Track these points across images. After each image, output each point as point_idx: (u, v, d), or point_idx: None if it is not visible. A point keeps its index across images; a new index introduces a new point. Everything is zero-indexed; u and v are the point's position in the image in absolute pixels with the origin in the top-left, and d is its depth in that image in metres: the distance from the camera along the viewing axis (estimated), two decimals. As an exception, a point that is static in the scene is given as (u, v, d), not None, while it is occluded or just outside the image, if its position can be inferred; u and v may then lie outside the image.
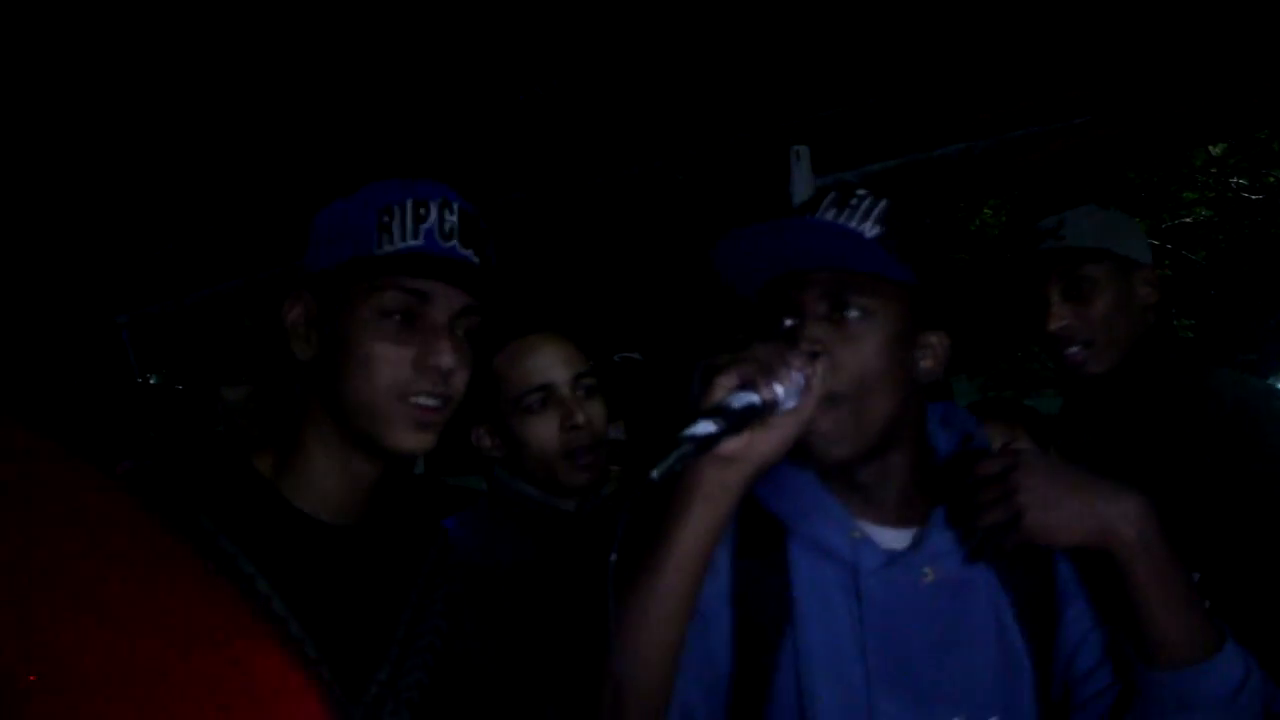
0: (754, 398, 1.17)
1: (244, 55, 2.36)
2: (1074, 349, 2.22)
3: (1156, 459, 2.10)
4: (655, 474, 1.06)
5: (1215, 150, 11.40)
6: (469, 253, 1.35)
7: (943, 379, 1.43)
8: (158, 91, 2.44)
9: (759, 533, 1.36)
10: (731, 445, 1.18)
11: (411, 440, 1.33)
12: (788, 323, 1.32)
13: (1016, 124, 2.97)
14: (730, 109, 3.06)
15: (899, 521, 1.38)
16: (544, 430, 2.03)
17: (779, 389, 1.18)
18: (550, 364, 2.05)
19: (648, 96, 2.94)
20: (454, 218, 1.35)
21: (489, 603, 1.56)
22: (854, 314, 1.29)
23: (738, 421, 1.16)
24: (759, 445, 1.21)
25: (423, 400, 1.32)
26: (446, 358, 1.31)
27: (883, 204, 1.32)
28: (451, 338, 1.33)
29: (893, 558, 1.33)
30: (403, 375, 1.30)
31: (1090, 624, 1.40)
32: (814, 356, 1.24)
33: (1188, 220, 12.57)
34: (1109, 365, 2.21)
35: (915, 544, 1.36)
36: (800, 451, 1.31)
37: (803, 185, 3.22)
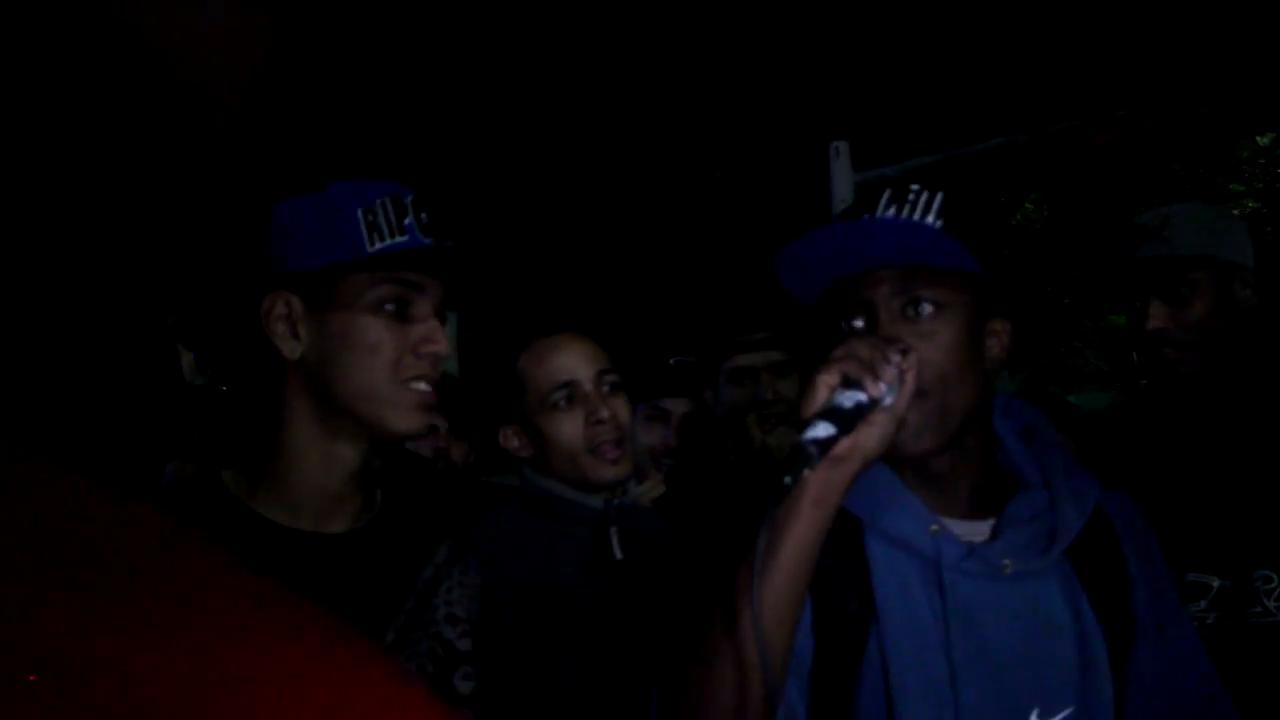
0: (861, 395, 1.19)
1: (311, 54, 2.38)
2: (1168, 349, 2.22)
3: (1242, 460, 2.10)
4: (787, 480, 1.08)
5: (1263, 141, 11.22)
6: (447, 243, 1.44)
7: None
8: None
9: (836, 529, 1.38)
10: (843, 445, 1.19)
11: (415, 421, 1.40)
12: (857, 323, 1.33)
13: (1058, 117, 2.94)
14: (770, 106, 3.06)
15: (973, 513, 1.39)
16: (569, 427, 2.04)
17: (882, 385, 1.20)
18: (574, 362, 2.07)
19: (687, 94, 2.94)
20: (425, 212, 1.42)
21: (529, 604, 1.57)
22: (928, 309, 1.30)
23: (849, 421, 1.17)
24: (864, 442, 1.22)
25: (420, 385, 1.38)
26: (442, 344, 1.37)
27: (939, 196, 1.33)
28: (440, 325, 1.40)
29: (972, 550, 1.34)
30: (402, 361, 1.37)
31: (1157, 604, 1.40)
32: (905, 352, 1.25)
33: (1235, 212, 12.40)
34: (1200, 367, 2.21)
35: (994, 535, 1.36)
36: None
37: (842, 181, 3.21)
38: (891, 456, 1.34)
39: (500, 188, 3.48)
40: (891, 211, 1.33)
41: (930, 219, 1.32)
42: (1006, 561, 1.32)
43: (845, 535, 1.36)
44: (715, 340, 2.19)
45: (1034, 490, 1.38)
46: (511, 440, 2.13)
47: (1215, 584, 2.03)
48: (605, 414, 2.04)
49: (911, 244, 1.30)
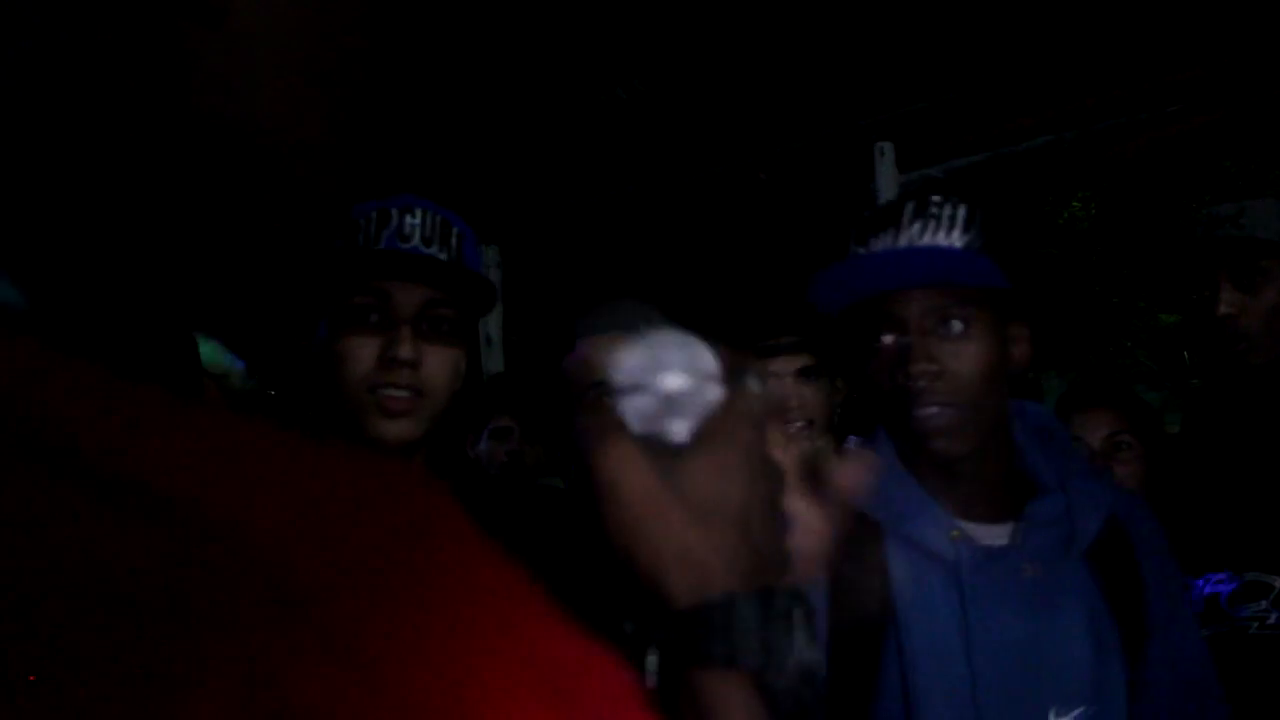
0: None
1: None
2: (1237, 339, 2.21)
3: None
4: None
5: (1317, 136, 11.02)
6: (433, 250, 1.47)
7: (1033, 376, 1.45)
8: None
9: (854, 533, 1.40)
10: None
11: (384, 429, 1.44)
12: (887, 339, 1.36)
13: (1106, 114, 2.92)
14: (815, 107, 3.07)
15: (992, 516, 1.40)
16: None
17: None
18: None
19: (733, 96, 2.96)
20: (415, 220, 1.47)
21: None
22: (958, 326, 1.33)
23: None
24: None
25: (390, 391, 1.42)
26: (405, 348, 1.41)
27: (964, 209, 1.35)
28: (413, 330, 1.43)
29: (992, 554, 1.35)
30: (369, 368, 1.41)
31: (1172, 608, 1.42)
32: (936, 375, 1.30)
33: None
34: (1268, 358, 2.19)
35: (1014, 539, 1.38)
36: (913, 448, 1.36)
37: (887, 182, 3.21)
38: (917, 458, 1.37)
39: (550, 190, 3.51)
40: (917, 227, 1.36)
41: (956, 234, 1.35)
42: (1026, 565, 1.34)
43: (865, 539, 1.38)
44: (741, 344, 2.19)
45: (1052, 493, 1.40)
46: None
47: (1277, 584, 2.02)
48: None
49: (943, 265, 1.34)
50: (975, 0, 2.55)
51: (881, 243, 1.38)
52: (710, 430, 0.60)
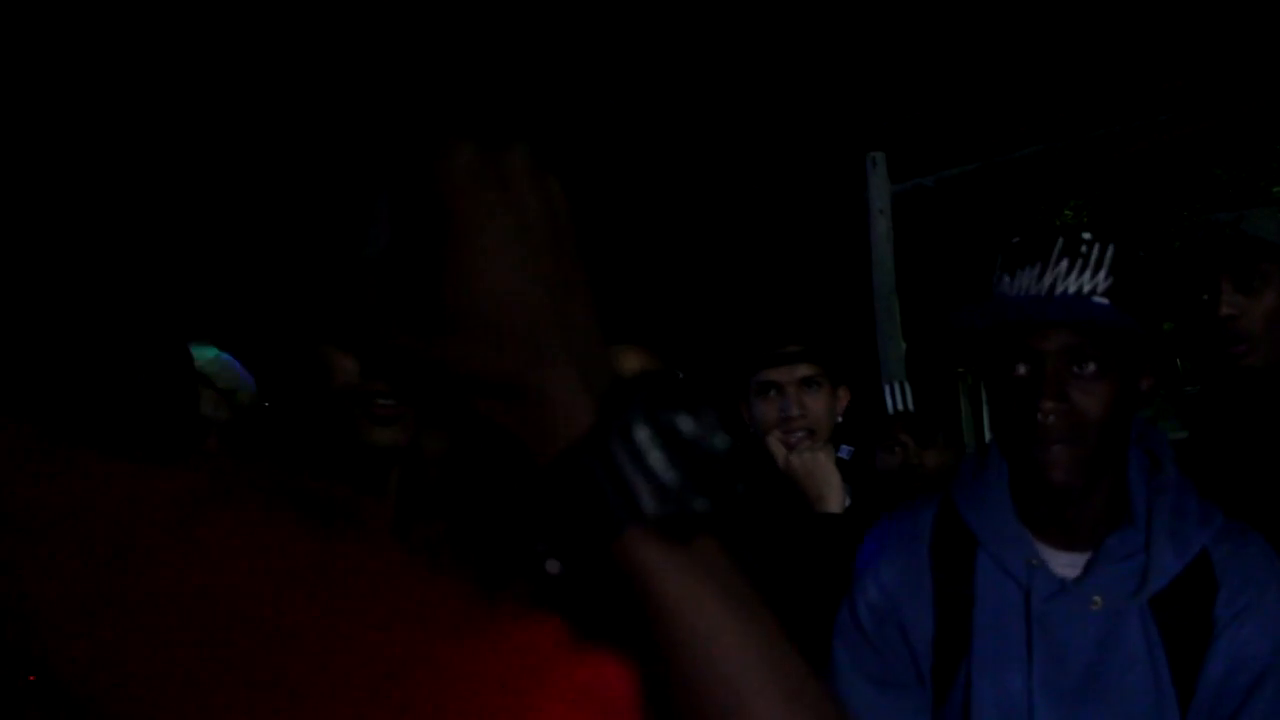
0: None
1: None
2: (1237, 341, 2.22)
3: None
4: None
5: (1306, 143, 11.09)
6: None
7: None
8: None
9: (954, 538, 1.46)
10: None
11: (375, 435, 1.46)
12: (1021, 370, 1.38)
13: (1097, 123, 2.92)
14: (806, 117, 3.07)
15: (1074, 545, 1.43)
16: None
17: None
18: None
19: (725, 106, 2.96)
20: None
21: None
22: (1091, 368, 1.36)
23: None
24: None
25: (378, 400, 1.45)
26: None
27: (1110, 250, 1.40)
28: None
29: (1064, 585, 1.39)
30: (354, 379, 1.44)
31: (1245, 651, 1.40)
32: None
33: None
34: (1266, 361, 2.20)
35: (1086, 571, 1.40)
36: (1030, 477, 1.39)
37: (879, 192, 3.21)
38: (1024, 483, 1.41)
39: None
40: (1064, 264, 1.40)
41: (1101, 276, 1.39)
42: (1096, 599, 1.37)
43: (961, 545, 1.45)
44: (745, 353, 2.18)
45: (1137, 527, 1.42)
46: None
47: None
48: None
49: (1085, 309, 1.38)
50: (966, 11, 2.56)
51: (1027, 276, 1.44)
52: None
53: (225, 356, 2.14)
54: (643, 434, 0.44)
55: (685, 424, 0.44)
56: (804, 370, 2.02)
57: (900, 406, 2.48)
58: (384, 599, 0.36)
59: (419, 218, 0.45)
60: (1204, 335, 2.24)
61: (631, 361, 2.09)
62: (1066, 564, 1.41)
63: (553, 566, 0.44)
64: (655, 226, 3.66)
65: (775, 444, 2.02)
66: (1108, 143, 2.93)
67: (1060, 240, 1.42)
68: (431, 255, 0.45)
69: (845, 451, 2.30)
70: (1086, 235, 1.42)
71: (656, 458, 0.44)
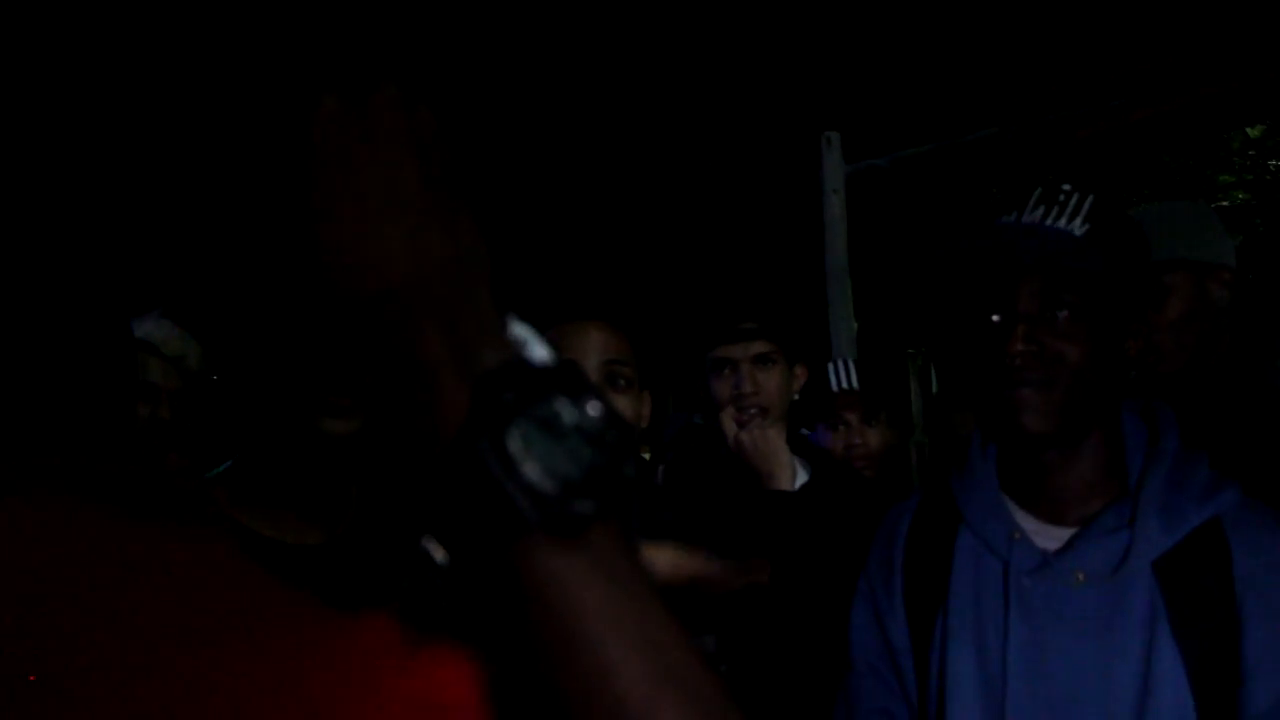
0: None
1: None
2: (1146, 353, 2.23)
3: (1227, 457, 2.10)
4: None
5: (1253, 133, 11.24)
6: None
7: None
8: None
9: (938, 514, 1.45)
10: None
11: (333, 425, 1.44)
12: (996, 318, 1.36)
13: (1050, 107, 2.95)
14: (761, 97, 3.06)
15: (1068, 518, 1.38)
16: None
17: None
18: (579, 349, 2.01)
19: (681, 86, 2.95)
20: None
21: None
22: (1065, 313, 1.33)
23: None
24: None
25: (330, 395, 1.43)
26: None
27: (1089, 200, 1.37)
28: None
29: (1045, 559, 1.35)
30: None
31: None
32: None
33: (1224, 204, 12.41)
34: (1178, 366, 2.21)
35: (1069, 545, 1.36)
36: (1003, 430, 1.36)
37: (834, 172, 3.21)
38: (1008, 438, 1.38)
39: (515, 184, 3.48)
40: (1040, 211, 1.37)
41: (1077, 222, 1.36)
42: (1079, 573, 1.32)
43: (944, 521, 1.44)
44: (701, 330, 2.16)
45: (1127, 500, 1.36)
46: None
47: None
48: None
49: (1055, 249, 1.34)
50: (922, -9, 2.56)
51: (1005, 221, 1.41)
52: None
53: (167, 322, 2.10)
54: (516, 444, 0.42)
55: (566, 411, 0.43)
56: (759, 347, 2.01)
57: (844, 384, 2.46)
58: (168, 609, 0.35)
59: (291, 166, 0.46)
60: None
61: (595, 337, 2.06)
62: (1053, 538, 1.36)
63: (438, 555, 0.44)
64: (611, 204, 3.65)
65: (727, 420, 2.01)
66: (1060, 126, 2.96)
67: (1039, 189, 1.40)
68: (303, 205, 0.45)
69: (819, 436, 2.31)
70: (1066, 187, 1.40)
71: (532, 468, 0.42)
